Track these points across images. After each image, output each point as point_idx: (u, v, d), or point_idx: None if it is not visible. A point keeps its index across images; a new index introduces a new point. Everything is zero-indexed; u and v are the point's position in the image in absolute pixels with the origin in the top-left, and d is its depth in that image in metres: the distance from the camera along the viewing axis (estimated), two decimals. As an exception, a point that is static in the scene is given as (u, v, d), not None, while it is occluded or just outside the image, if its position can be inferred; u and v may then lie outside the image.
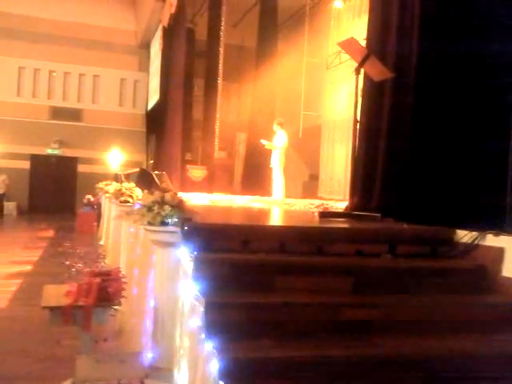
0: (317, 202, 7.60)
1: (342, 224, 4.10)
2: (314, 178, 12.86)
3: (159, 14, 15.56)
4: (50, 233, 13.41)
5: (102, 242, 10.75)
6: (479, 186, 3.69)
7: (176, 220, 3.16)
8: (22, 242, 11.32)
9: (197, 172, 13.09)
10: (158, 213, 3.21)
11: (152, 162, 16.84)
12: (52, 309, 3.32)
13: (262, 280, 2.83)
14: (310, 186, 12.85)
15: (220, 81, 13.26)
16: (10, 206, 18.18)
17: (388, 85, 4.55)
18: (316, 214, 4.67)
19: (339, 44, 4.78)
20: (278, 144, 8.70)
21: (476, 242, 3.25)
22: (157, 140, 16.78)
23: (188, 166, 13.25)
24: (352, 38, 4.53)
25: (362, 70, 4.51)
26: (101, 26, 18.86)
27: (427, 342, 2.66)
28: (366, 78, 4.79)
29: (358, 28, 10.00)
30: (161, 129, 15.66)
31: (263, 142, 8.85)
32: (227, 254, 2.98)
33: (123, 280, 3.64)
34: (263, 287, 2.80)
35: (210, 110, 13.29)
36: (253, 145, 11.43)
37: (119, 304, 3.47)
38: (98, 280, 3.46)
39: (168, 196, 3.28)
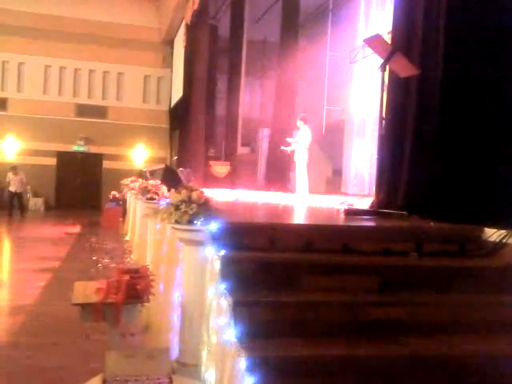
0: (341, 198, 7.56)
1: (368, 222, 4.08)
2: (337, 173, 12.79)
3: (182, 11, 15.64)
4: (77, 228, 13.65)
5: (127, 238, 10.89)
6: (508, 183, 3.63)
7: (203, 218, 3.19)
8: (50, 238, 11.56)
9: (220, 168, 13.15)
10: (185, 211, 3.23)
11: (176, 158, 16.98)
12: (83, 306, 3.39)
13: (289, 279, 2.86)
14: (333, 181, 12.77)
15: (243, 76, 13.26)
16: (37, 202, 18.59)
17: (414, 80, 4.50)
18: (341, 211, 4.66)
19: (365, 41, 4.75)
20: (302, 140, 8.70)
21: (504, 241, 3.21)
22: (180, 136, 16.90)
23: (211, 162, 13.33)
24: (378, 34, 4.50)
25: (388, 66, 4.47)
26: (124, 24, 19.05)
27: (454, 342, 2.65)
28: (391, 73, 4.74)
29: (382, 20, 9.87)
30: (184, 125, 15.77)
31: (289, 140, 8.88)
32: (254, 253, 3.01)
33: (151, 278, 3.69)
34: (290, 286, 2.83)
35: (233, 105, 13.31)
36: (276, 140, 11.41)
37: (148, 301, 3.52)
38: (126, 277, 3.52)
39: (195, 195, 3.31)
